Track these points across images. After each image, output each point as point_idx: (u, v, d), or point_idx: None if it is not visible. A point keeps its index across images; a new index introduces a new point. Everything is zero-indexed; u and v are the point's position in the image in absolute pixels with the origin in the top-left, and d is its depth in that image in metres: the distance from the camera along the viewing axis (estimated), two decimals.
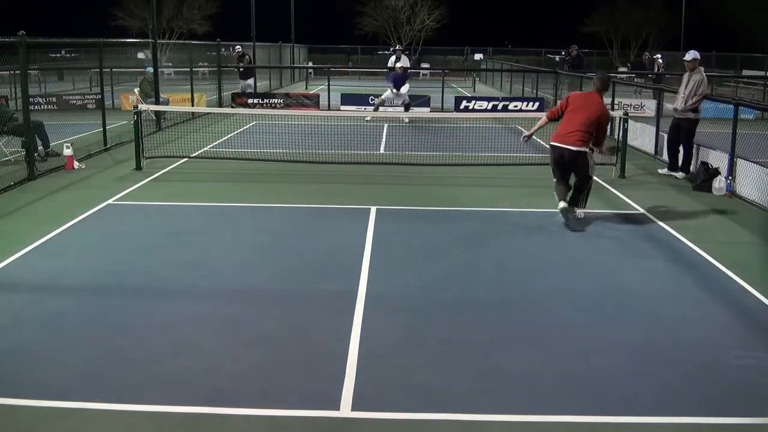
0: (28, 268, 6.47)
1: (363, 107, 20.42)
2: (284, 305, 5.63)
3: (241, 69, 23.06)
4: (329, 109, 20.31)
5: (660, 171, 11.42)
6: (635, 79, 24.56)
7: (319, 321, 5.30)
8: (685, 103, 10.76)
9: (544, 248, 7.29)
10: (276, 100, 21.36)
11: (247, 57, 23.81)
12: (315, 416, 3.99)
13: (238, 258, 6.82)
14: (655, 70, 26.13)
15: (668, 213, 8.71)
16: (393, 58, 22.60)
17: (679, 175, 10.99)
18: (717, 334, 5.21)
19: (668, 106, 12.55)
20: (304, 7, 43.44)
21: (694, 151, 10.96)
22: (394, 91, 18.06)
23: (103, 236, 7.53)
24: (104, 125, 13.41)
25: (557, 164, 8.06)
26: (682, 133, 10.95)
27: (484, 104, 20.85)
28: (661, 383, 4.41)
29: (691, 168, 10.92)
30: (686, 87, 10.81)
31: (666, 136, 11.76)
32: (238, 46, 24.11)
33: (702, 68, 11.06)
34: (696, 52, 10.87)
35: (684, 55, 11.14)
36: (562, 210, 7.98)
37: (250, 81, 22.84)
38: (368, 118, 17.34)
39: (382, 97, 18.44)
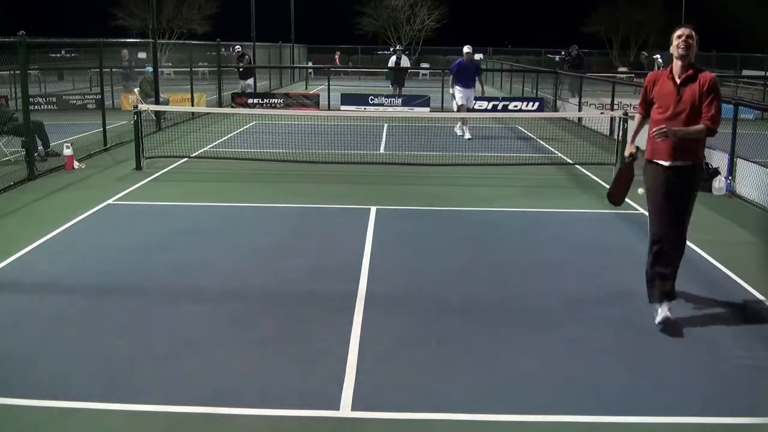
0: (28, 268, 6.47)
1: (363, 107, 20.43)
2: (284, 305, 5.63)
3: (240, 69, 23.08)
4: (329, 109, 20.31)
5: None
6: (635, 79, 24.54)
7: (319, 321, 5.30)
8: None
9: (543, 248, 7.28)
10: (276, 100, 21.37)
11: (247, 57, 23.83)
12: (315, 416, 3.99)
13: (238, 258, 6.82)
14: (655, 70, 26.12)
15: None
16: (393, 57, 22.66)
17: None
18: (717, 334, 5.20)
19: None
20: (304, 7, 43.48)
21: None
22: (462, 92, 15.08)
23: (103, 236, 7.53)
24: (104, 125, 13.41)
25: None
26: None
27: (484, 104, 20.82)
28: (662, 383, 4.41)
29: None
30: None
31: None
32: (237, 46, 24.12)
33: None
34: None
35: None
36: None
37: (250, 81, 22.88)
38: (467, 136, 15.10)
39: (456, 102, 15.24)
